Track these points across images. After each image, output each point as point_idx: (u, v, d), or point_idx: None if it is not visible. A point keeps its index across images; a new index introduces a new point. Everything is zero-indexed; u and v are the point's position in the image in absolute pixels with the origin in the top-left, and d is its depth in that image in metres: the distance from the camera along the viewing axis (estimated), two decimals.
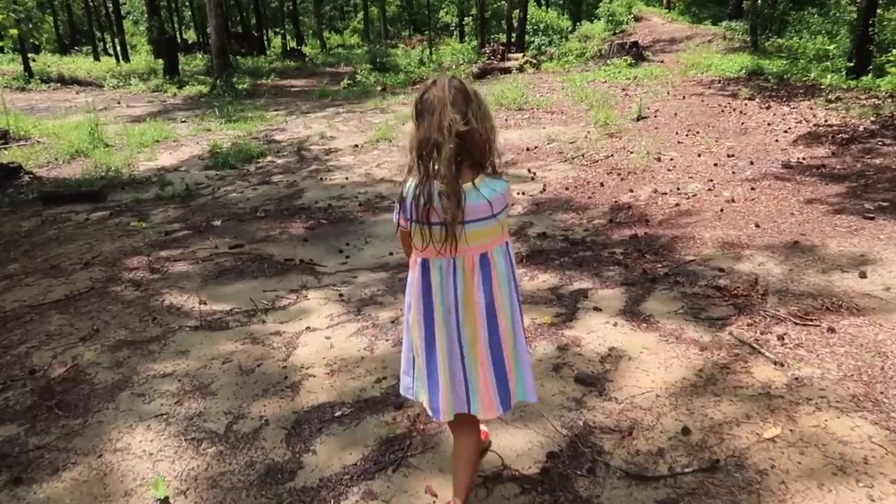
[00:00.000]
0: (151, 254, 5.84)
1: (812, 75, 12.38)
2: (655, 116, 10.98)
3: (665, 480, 2.59)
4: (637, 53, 18.48)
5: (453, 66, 24.03)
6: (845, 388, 3.09)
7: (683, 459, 2.71)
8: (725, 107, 11.23)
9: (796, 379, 3.20)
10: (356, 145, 11.02)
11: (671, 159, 8.28)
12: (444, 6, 40.29)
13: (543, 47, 24.88)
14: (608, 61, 18.25)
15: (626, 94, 13.46)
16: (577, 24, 30.58)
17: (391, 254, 5.88)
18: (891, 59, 11.18)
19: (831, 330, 3.65)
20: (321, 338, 4.11)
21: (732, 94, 12.32)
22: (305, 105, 16.77)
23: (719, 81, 14.18)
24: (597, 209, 6.82)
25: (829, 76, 11.59)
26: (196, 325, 4.39)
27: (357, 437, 3.04)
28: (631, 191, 7.26)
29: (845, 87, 11.17)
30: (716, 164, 7.81)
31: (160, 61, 26.00)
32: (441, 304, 2.18)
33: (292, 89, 21.43)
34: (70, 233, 6.89)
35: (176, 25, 45.63)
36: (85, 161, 10.58)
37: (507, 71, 19.96)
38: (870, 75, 11.59)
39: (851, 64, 13.04)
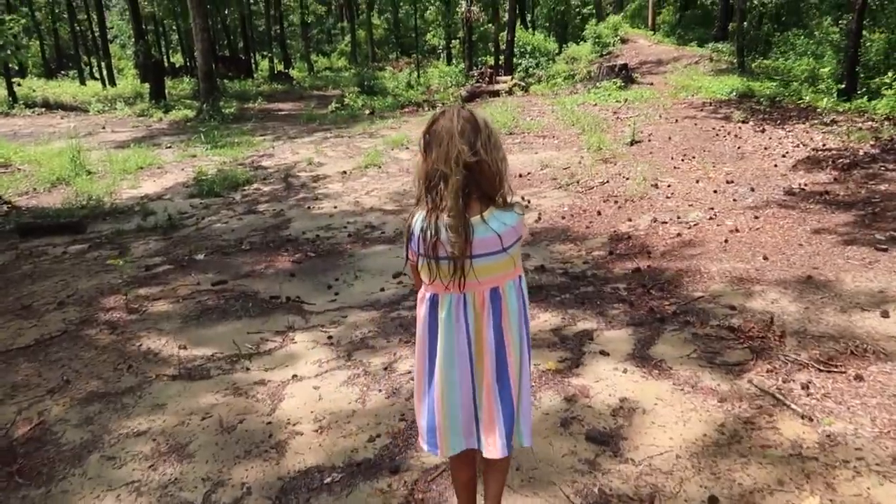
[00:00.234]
0: (130, 292, 5.53)
1: (807, 98, 12.26)
2: (649, 140, 10.80)
3: None
4: (626, 76, 18.40)
5: (441, 89, 23.93)
6: (883, 447, 2.83)
7: None
8: (719, 130, 11.08)
9: (828, 436, 2.94)
10: (344, 172, 10.78)
11: (669, 186, 8.08)
12: (431, 29, 40.36)
13: (531, 70, 24.86)
14: (597, 84, 18.15)
15: (618, 118, 13.31)
16: (564, 46, 30.68)
17: (382, 290, 5.60)
18: (886, 81, 11.09)
19: (859, 378, 3.40)
20: (309, 388, 3.82)
21: (725, 117, 12.19)
22: (293, 129, 16.52)
23: (711, 104, 14.06)
24: (595, 239, 6.59)
25: (824, 99, 11.46)
26: (174, 373, 4.09)
27: None
28: (629, 219, 7.04)
29: (840, 109, 11.05)
30: (715, 191, 7.61)
31: (146, 85, 25.75)
32: (445, 341, 2.11)
33: (280, 113, 21.21)
34: (46, 268, 6.56)
35: (163, 49, 45.49)
36: (66, 189, 10.26)
37: (496, 94, 19.86)
38: (865, 98, 11.48)
39: (842, 86, 12.97)
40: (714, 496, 2.62)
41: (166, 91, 24.62)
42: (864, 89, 12.49)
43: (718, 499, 2.61)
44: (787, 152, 9.01)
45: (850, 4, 23.42)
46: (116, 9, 54.54)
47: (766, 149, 9.45)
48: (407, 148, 12.28)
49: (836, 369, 3.52)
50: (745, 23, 20.52)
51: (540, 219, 7.35)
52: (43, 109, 22.68)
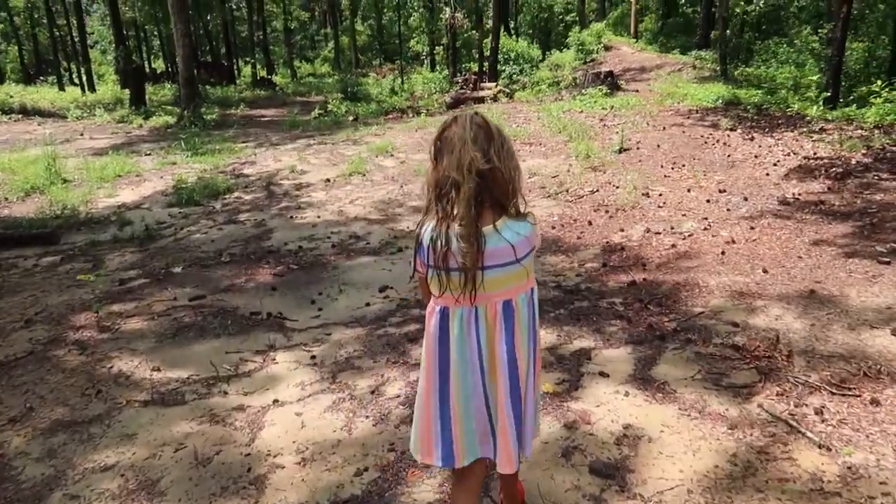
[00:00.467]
0: (102, 309, 5.25)
1: (795, 107, 12.18)
2: (638, 148, 10.66)
3: None
4: (612, 83, 18.29)
5: (425, 96, 23.75)
6: None
7: None
8: (708, 138, 10.95)
9: (850, 468, 2.75)
10: (328, 179, 10.52)
11: (660, 195, 7.91)
12: (414, 35, 40.21)
13: (514, 76, 24.75)
14: (583, 91, 18.03)
15: (605, 125, 13.17)
16: (547, 53, 30.64)
17: (368, 304, 5.37)
18: (874, 89, 11.03)
19: (875, 402, 3.21)
20: (290, 414, 3.58)
21: (713, 125, 12.07)
22: (275, 136, 16.23)
23: (697, 111, 13.96)
24: (587, 251, 6.40)
25: (813, 107, 11.38)
26: (147, 399, 3.83)
27: None
28: (622, 230, 6.86)
29: (829, 118, 10.96)
30: (708, 201, 7.45)
31: (127, 91, 25.30)
32: (458, 355, 2.04)
33: (262, 119, 20.90)
34: (14, 282, 6.26)
35: (144, 55, 44.95)
36: (40, 198, 9.91)
37: (481, 100, 19.69)
38: (854, 105, 11.42)
39: (828, 94, 12.93)
40: None
41: (147, 97, 24.18)
42: (851, 97, 12.46)
43: None
44: (778, 161, 8.89)
45: (830, 14, 23.66)
46: (97, 14, 53.83)
47: (756, 157, 9.32)
48: (392, 155, 12.05)
49: (850, 393, 3.33)
50: (727, 31, 20.55)
51: None
52: (20, 116, 22.17)
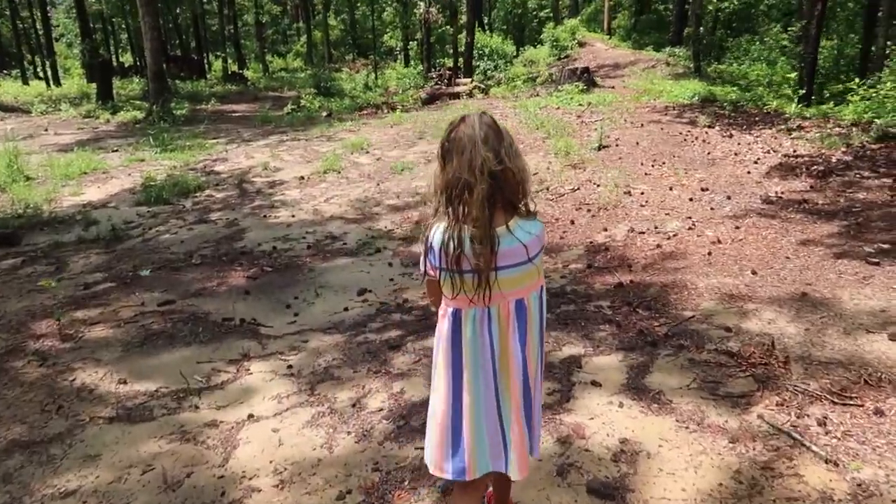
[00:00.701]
0: (64, 315, 4.96)
1: (773, 104, 12.18)
2: (617, 145, 10.55)
3: None
4: (588, 79, 18.23)
5: (400, 91, 23.47)
6: None
7: None
8: (686, 135, 10.88)
9: (860, 485, 2.62)
10: (302, 177, 10.26)
11: (642, 193, 7.80)
12: (388, 30, 39.84)
13: (489, 72, 24.60)
14: (559, 87, 17.94)
15: (583, 122, 13.06)
16: (521, 48, 30.54)
17: (346, 309, 5.16)
18: (852, 87, 11.05)
19: (879, 412, 3.10)
20: (267, 431, 3.36)
21: (691, 122, 12.02)
22: (247, 132, 15.87)
23: (674, 108, 13.92)
24: (571, 251, 6.25)
25: (791, 105, 11.37)
26: (112, 415, 3.58)
27: None
28: (605, 229, 6.73)
29: (807, 115, 10.96)
30: (691, 199, 7.35)
31: (93, 85, 24.66)
32: (471, 357, 2.03)
33: (234, 114, 20.48)
34: None
35: (112, 48, 43.91)
36: (1, 197, 9.52)
37: (457, 96, 19.51)
38: (831, 103, 11.44)
39: (803, 91, 12.97)
40: None
41: (114, 91, 23.59)
42: (826, 95, 12.49)
43: None
44: (758, 158, 8.84)
45: (800, 12, 23.88)
46: (62, 6, 52.53)
47: (736, 154, 9.26)
48: (367, 152, 11.82)
49: (852, 402, 3.21)
50: (700, 28, 20.62)
51: None
52: None
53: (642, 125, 12.03)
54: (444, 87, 22.04)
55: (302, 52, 45.07)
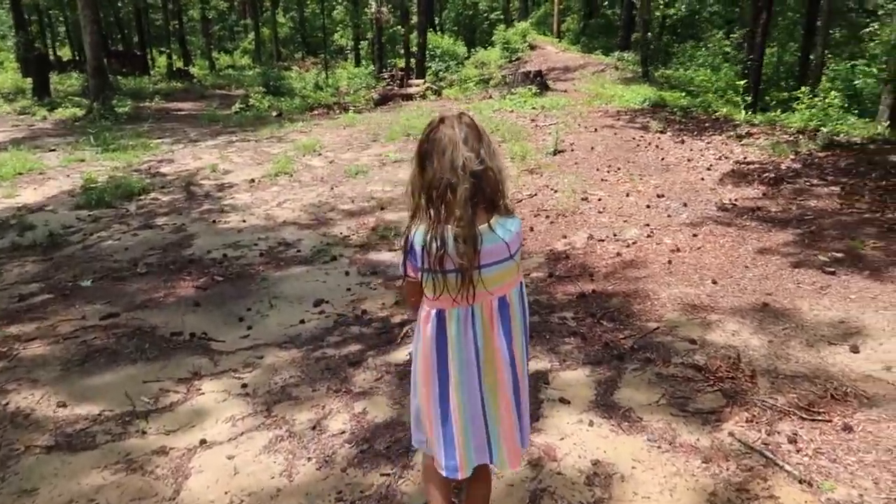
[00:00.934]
0: None
1: (724, 111, 12.39)
2: (572, 150, 10.56)
3: None
4: (541, 83, 18.27)
5: (351, 91, 23.18)
6: None
7: None
8: (640, 140, 10.97)
9: None
10: (253, 180, 9.96)
11: (599, 199, 7.79)
12: (339, 29, 39.39)
13: (441, 73, 24.51)
14: (512, 90, 17.94)
15: (537, 126, 13.06)
16: (472, 50, 30.56)
17: (303, 321, 4.97)
18: (799, 95, 11.32)
19: (847, 428, 3.08)
20: (221, 458, 3.16)
21: (643, 127, 12.13)
22: (194, 132, 15.39)
23: (626, 113, 14.05)
24: (532, 259, 6.18)
25: (741, 112, 11.60)
26: (50, 443, 3.32)
27: None
28: (565, 236, 6.68)
29: (756, 121, 11.18)
30: (648, 206, 7.37)
31: (29, 80, 23.62)
32: (457, 356, 2.05)
33: (179, 113, 19.88)
34: None
35: (49, 42, 42.25)
36: None
37: (409, 97, 19.34)
38: (778, 110, 11.70)
39: (749, 98, 13.26)
40: None
41: (52, 87, 22.65)
42: (772, 102, 12.79)
43: None
44: (711, 165, 8.95)
45: (742, 20, 24.49)
46: None
47: (689, 161, 9.36)
48: (319, 154, 11.57)
49: (820, 418, 3.20)
50: (648, 34, 20.95)
51: None
52: None
53: (596, 130, 12.09)
54: (396, 88, 21.87)
55: (250, 49, 44.26)
